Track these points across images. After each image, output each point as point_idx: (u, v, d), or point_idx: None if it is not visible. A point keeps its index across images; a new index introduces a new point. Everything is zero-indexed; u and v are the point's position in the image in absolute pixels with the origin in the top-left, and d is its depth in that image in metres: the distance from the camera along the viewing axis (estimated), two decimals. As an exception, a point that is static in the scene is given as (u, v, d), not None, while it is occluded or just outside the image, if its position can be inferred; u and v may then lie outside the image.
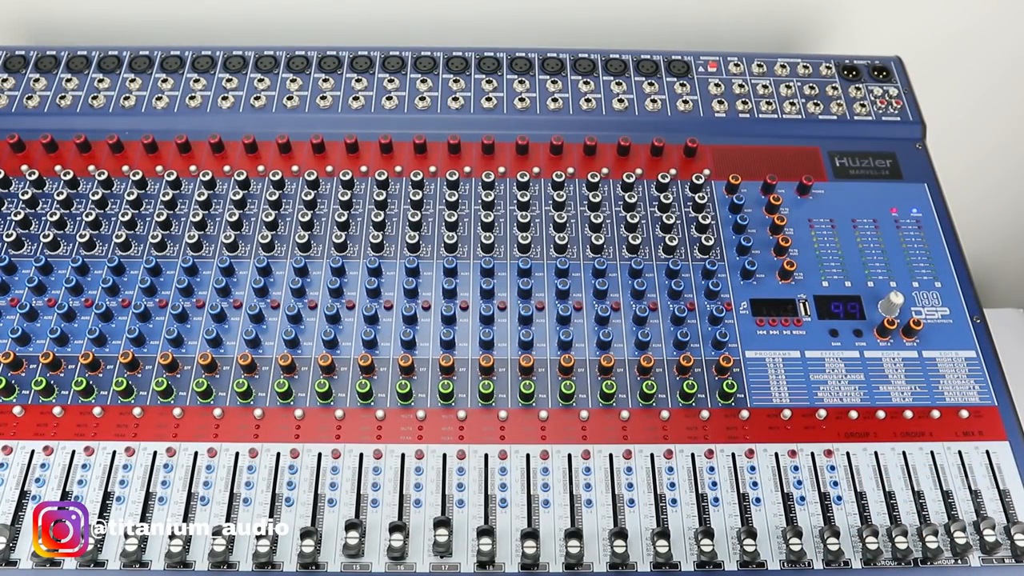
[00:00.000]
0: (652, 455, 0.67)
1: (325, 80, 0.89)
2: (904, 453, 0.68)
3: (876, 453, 0.68)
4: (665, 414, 0.69)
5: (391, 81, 0.89)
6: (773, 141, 0.87)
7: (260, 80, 0.89)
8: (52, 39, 1.05)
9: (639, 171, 0.84)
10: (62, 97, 0.87)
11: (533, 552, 0.61)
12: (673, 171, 0.83)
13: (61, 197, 0.79)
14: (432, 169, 0.84)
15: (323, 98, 0.87)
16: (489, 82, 0.89)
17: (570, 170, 0.83)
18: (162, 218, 0.78)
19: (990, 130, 1.18)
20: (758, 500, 0.66)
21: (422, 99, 0.88)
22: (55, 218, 0.78)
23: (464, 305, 0.75)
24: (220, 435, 0.67)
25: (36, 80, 0.88)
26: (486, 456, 0.67)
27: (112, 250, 0.77)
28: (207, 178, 0.81)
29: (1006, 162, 1.25)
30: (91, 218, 0.78)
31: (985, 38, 1.10)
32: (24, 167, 0.81)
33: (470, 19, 1.04)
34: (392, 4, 1.02)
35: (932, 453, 0.68)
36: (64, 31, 1.04)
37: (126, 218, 0.78)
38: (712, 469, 0.67)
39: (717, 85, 0.90)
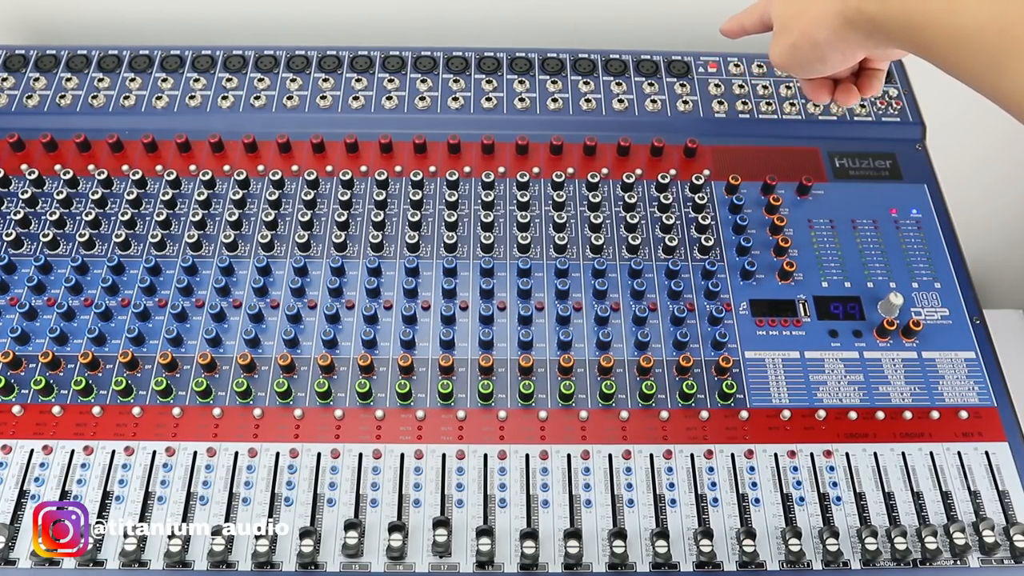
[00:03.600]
0: (651, 455, 0.67)
1: (325, 80, 0.89)
2: (903, 454, 0.68)
3: (875, 454, 0.68)
4: (664, 414, 0.69)
5: (391, 81, 0.89)
6: (773, 141, 0.87)
7: (260, 80, 0.89)
8: (52, 38, 1.05)
9: (639, 171, 0.84)
10: (62, 96, 0.87)
11: (532, 552, 0.61)
12: (673, 171, 0.83)
13: (61, 196, 0.79)
14: (432, 169, 0.84)
15: (323, 98, 0.87)
16: (489, 82, 0.89)
17: (570, 170, 0.83)
18: (162, 217, 0.78)
19: (990, 131, 1.18)
20: (757, 500, 0.66)
21: (422, 99, 0.88)
22: (55, 217, 0.78)
23: (464, 305, 0.75)
24: (219, 435, 0.67)
25: (36, 79, 0.88)
26: (485, 456, 0.67)
27: (112, 249, 0.77)
28: (207, 177, 0.81)
29: (1006, 163, 1.25)
30: (91, 217, 0.78)
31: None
32: (24, 166, 0.81)
33: (470, 19, 1.04)
34: (392, 4, 1.02)
35: (931, 454, 0.68)
36: (64, 30, 1.04)
37: (126, 217, 0.78)
38: (711, 469, 0.67)
39: (717, 85, 0.90)
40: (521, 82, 0.89)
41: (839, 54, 0.59)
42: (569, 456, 0.67)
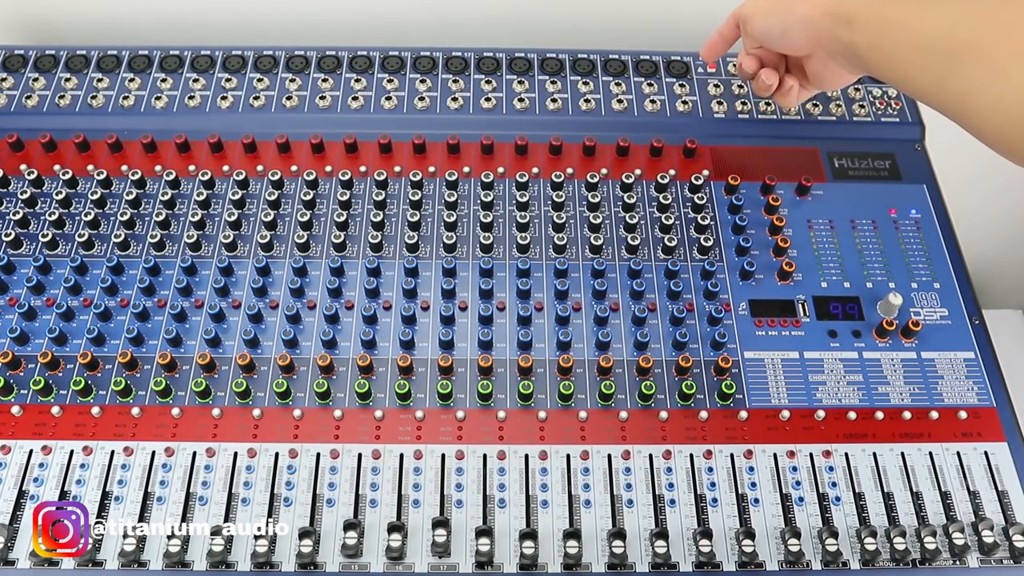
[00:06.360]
0: (651, 455, 0.67)
1: (324, 80, 0.89)
2: (903, 454, 0.68)
3: (875, 454, 0.68)
4: (664, 415, 0.69)
5: (390, 81, 0.89)
6: (772, 142, 0.87)
7: (259, 80, 0.89)
8: (51, 39, 1.05)
9: (638, 171, 0.84)
10: (61, 96, 0.87)
11: (532, 552, 0.61)
12: (672, 172, 0.83)
13: (60, 197, 0.79)
14: (431, 169, 0.84)
15: (322, 98, 0.87)
16: (488, 82, 0.89)
17: (569, 170, 0.83)
18: (161, 218, 0.78)
19: (989, 131, 1.18)
20: (757, 501, 0.66)
21: (421, 99, 0.88)
22: (54, 217, 0.78)
23: (463, 305, 0.75)
24: (219, 435, 0.67)
25: (35, 79, 0.88)
26: (485, 456, 0.67)
27: (111, 250, 0.77)
28: (206, 178, 0.81)
29: (1006, 163, 1.25)
30: (90, 218, 0.78)
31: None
32: (23, 166, 0.81)
33: (470, 19, 1.04)
34: (392, 4, 1.02)
35: (931, 454, 0.68)
36: (63, 31, 1.04)
37: (125, 218, 0.78)
38: (711, 470, 0.67)
39: (716, 86, 0.90)
40: (520, 82, 0.89)
41: (798, 34, 0.69)
42: (568, 456, 0.67)
